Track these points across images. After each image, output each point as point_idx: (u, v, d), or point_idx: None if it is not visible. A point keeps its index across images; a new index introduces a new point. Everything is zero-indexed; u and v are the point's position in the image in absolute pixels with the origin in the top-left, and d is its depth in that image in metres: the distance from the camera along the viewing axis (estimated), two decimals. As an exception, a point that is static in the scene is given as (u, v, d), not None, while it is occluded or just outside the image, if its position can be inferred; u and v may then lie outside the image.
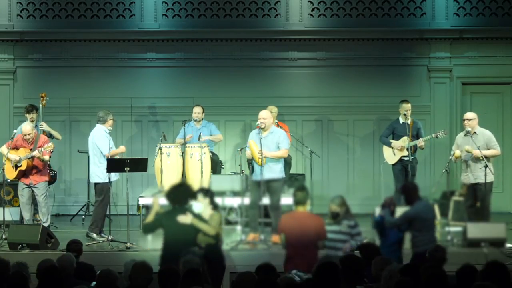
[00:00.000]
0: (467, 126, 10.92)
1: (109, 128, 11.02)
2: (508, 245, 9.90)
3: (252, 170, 10.58)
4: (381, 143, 12.22)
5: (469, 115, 11.09)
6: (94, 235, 10.80)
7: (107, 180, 10.79)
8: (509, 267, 6.50)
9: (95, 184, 11.08)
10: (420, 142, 11.76)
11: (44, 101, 12.06)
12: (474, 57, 13.98)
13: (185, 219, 8.08)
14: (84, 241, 10.71)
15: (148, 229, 8.34)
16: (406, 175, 11.78)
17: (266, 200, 10.59)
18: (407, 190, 8.94)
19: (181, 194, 8.24)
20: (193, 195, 8.34)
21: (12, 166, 11.00)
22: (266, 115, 10.53)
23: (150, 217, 8.22)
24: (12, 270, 6.67)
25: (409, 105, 11.97)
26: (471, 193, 10.82)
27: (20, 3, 13.98)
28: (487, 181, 10.69)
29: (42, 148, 10.92)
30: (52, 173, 11.80)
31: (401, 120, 11.97)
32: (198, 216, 8.18)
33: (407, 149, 11.70)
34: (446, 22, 13.94)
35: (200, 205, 8.35)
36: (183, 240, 7.97)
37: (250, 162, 10.70)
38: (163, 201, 8.45)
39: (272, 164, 10.40)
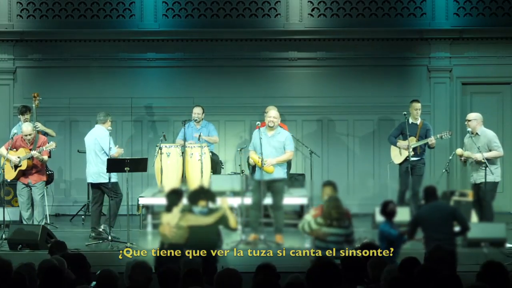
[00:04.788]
0: (468, 127, 10.92)
1: (109, 128, 11.03)
2: (508, 245, 9.90)
3: (252, 171, 10.64)
4: (389, 142, 12.20)
5: (469, 115, 11.05)
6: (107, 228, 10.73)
7: (113, 179, 10.85)
8: (508, 267, 6.50)
9: (101, 184, 11.01)
10: (432, 139, 11.73)
11: (36, 101, 12.07)
12: (474, 57, 13.97)
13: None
14: (86, 241, 10.74)
15: None
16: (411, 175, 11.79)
17: (268, 200, 10.64)
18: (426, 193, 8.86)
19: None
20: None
21: (11, 167, 11.02)
22: (276, 115, 10.70)
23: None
24: (18, 270, 6.63)
25: (419, 104, 11.99)
26: (475, 193, 10.82)
27: (20, 3, 13.98)
28: (488, 180, 10.69)
29: (44, 147, 10.95)
30: (49, 172, 11.80)
31: (411, 120, 11.94)
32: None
33: (413, 149, 11.69)
34: (446, 22, 13.93)
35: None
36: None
37: (253, 165, 10.74)
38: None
39: (279, 166, 10.52)
